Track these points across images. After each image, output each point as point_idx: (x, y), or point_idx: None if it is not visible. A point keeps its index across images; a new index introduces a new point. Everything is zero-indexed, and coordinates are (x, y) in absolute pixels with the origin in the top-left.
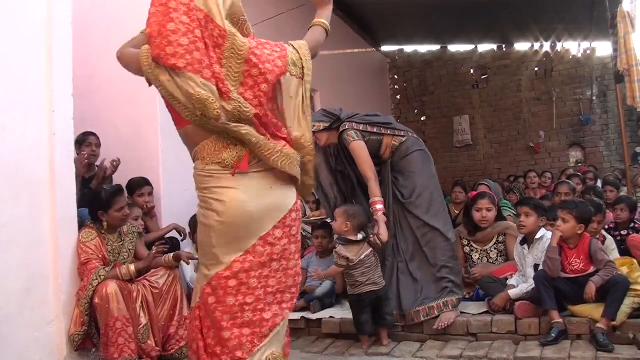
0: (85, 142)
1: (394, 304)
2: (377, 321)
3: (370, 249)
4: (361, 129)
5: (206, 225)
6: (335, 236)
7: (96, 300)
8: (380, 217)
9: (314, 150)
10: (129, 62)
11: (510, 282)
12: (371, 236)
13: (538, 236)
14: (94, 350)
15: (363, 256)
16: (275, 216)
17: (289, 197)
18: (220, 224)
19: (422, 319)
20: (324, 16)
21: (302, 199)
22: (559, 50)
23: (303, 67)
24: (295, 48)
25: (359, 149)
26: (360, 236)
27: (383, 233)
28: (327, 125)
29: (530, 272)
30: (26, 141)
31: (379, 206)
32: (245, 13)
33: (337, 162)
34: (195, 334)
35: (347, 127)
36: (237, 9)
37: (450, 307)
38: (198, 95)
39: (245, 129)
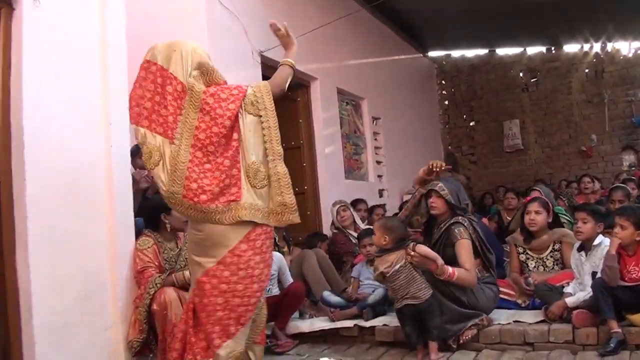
0: (139, 152)
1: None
2: (423, 333)
3: (405, 260)
4: (471, 230)
5: None
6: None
7: (154, 307)
8: (441, 262)
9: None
10: None
11: (567, 289)
12: (409, 247)
13: (595, 243)
14: (151, 356)
15: (398, 266)
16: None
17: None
18: None
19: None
20: (290, 55)
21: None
22: (609, 50)
23: (259, 106)
24: (254, 89)
25: (466, 246)
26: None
27: (423, 248)
28: (451, 202)
29: (588, 280)
30: (85, 153)
31: (450, 269)
32: (212, 62)
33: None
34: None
35: (461, 220)
36: (204, 62)
37: None
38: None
39: None
